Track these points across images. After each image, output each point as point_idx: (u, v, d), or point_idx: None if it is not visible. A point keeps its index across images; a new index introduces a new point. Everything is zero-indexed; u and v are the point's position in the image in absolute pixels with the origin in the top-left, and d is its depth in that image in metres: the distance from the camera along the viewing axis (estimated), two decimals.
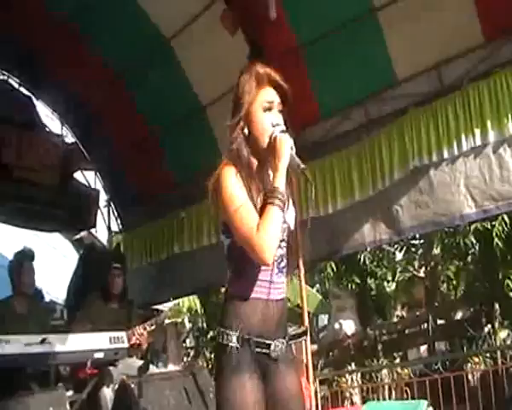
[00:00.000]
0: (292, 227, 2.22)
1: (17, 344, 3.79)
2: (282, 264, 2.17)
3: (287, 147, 2.09)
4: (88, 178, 7.98)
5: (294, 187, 2.29)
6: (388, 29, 5.17)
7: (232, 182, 2.04)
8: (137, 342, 4.94)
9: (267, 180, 2.16)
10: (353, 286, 11.62)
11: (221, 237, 2.17)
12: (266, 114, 2.15)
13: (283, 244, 2.16)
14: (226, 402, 2.04)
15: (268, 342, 2.10)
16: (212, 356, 11.74)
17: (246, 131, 2.15)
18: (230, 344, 2.06)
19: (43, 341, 3.90)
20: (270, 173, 2.19)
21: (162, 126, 6.96)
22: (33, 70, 7.02)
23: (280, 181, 2.06)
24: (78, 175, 7.80)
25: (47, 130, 7.49)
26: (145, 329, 4.98)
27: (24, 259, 5.12)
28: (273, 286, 2.13)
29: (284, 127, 2.16)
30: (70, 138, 7.77)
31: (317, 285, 13.14)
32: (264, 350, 2.09)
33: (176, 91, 6.41)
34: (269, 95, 2.17)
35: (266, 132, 2.14)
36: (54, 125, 7.70)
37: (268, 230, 1.99)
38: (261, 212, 2.03)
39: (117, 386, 4.32)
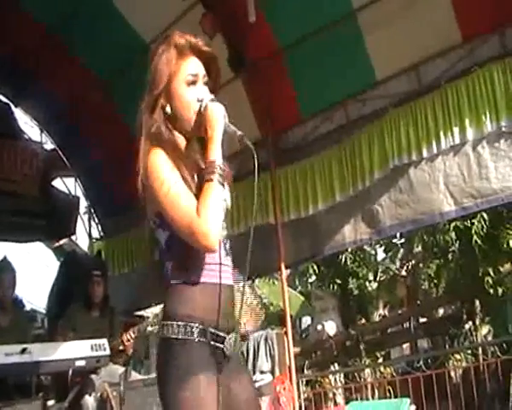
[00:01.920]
0: (229, 206, 1.92)
1: None
2: (228, 245, 1.93)
3: (219, 115, 1.83)
4: (68, 184, 7.92)
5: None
6: (367, 30, 5.21)
7: (161, 165, 1.79)
8: (123, 347, 4.91)
9: (198, 160, 1.91)
10: (335, 287, 11.66)
11: (157, 232, 1.89)
12: (190, 88, 1.89)
13: (225, 225, 1.90)
14: (186, 405, 1.73)
15: (222, 334, 1.84)
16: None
17: (168, 109, 1.89)
18: (186, 337, 1.77)
19: (23, 350, 3.83)
20: (199, 152, 1.94)
21: None
22: (12, 78, 6.92)
23: (216, 153, 1.81)
24: (57, 182, 7.72)
25: (26, 138, 7.40)
26: (132, 335, 4.95)
27: (3, 271, 5.04)
28: (223, 269, 1.86)
29: (213, 96, 1.89)
30: (49, 145, 7.69)
31: (300, 287, 13.17)
32: (218, 344, 1.82)
33: None
34: (192, 67, 1.90)
35: (192, 109, 1.88)
36: (33, 132, 7.63)
37: (209, 211, 1.73)
38: (199, 191, 1.78)
39: (99, 394, 4.27)
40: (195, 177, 1.86)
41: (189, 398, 1.73)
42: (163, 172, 1.78)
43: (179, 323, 1.78)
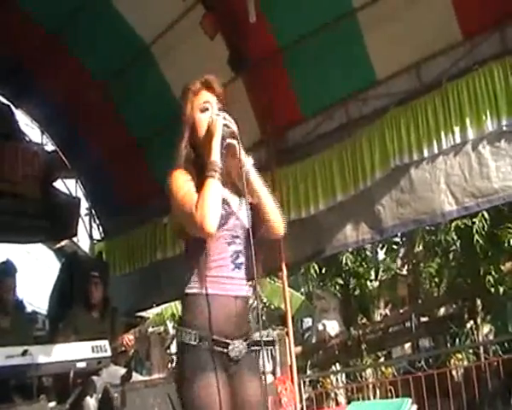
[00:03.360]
0: (247, 225, 2.20)
1: None
2: (239, 260, 2.17)
3: (218, 123, 2.16)
4: (69, 186, 7.91)
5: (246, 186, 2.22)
6: (368, 29, 5.21)
7: (179, 179, 2.14)
8: (124, 348, 4.91)
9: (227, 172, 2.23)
10: (336, 287, 11.63)
11: (182, 243, 2.24)
12: (204, 113, 2.25)
13: (238, 241, 2.18)
14: (192, 404, 2.03)
15: (226, 341, 2.09)
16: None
17: (193, 138, 2.25)
18: (191, 343, 2.07)
19: (24, 352, 3.83)
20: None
21: (144, 132, 6.91)
22: (12, 79, 6.92)
23: (215, 154, 2.12)
24: (59, 183, 7.72)
25: (27, 139, 7.40)
26: (134, 334, 4.96)
27: (5, 274, 5.04)
28: (231, 282, 2.13)
29: (219, 112, 2.22)
30: (50, 147, 7.68)
31: (301, 288, 13.14)
32: (222, 349, 2.09)
33: (157, 97, 6.37)
34: (203, 97, 2.28)
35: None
36: (34, 133, 7.63)
37: (206, 200, 2.03)
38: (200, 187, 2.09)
39: (100, 395, 4.26)
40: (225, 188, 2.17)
41: (199, 392, 2.01)
42: (179, 183, 2.12)
43: (187, 330, 2.09)
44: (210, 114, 2.23)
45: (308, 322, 13.45)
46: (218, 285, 2.11)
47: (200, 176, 2.12)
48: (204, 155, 2.18)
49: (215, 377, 2.03)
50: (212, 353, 2.06)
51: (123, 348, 4.94)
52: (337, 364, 10.73)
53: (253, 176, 2.21)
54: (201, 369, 2.03)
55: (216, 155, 2.12)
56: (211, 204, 2.03)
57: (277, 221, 2.30)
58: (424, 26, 4.91)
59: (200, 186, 2.08)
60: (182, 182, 2.13)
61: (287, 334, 5.83)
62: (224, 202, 2.14)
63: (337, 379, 10.18)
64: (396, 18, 4.99)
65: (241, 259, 2.18)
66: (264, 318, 13.11)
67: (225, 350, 2.08)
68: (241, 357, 2.12)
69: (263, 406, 2.21)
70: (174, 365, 2.13)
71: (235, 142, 2.18)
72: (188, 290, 2.13)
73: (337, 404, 9.59)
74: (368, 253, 11.77)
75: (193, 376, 2.04)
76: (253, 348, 2.18)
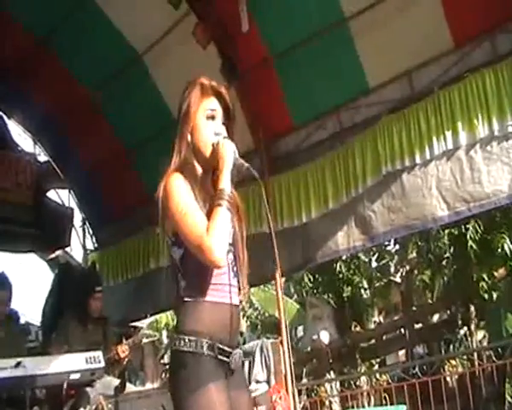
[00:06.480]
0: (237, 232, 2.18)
1: None
2: (236, 268, 2.13)
3: (229, 151, 2.08)
4: (62, 196, 7.89)
5: (237, 198, 2.18)
6: (359, 38, 5.23)
7: (179, 188, 2.01)
8: (118, 359, 4.89)
9: (210, 189, 2.12)
10: (330, 295, 11.63)
11: (172, 249, 2.08)
12: (209, 122, 2.14)
13: (233, 249, 2.13)
14: None
15: (229, 350, 2.02)
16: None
17: (189, 139, 2.13)
18: (192, 350, 1.96)
19: (17, 364, 3.79)
20: (211, 182, 2.16)
21: (136, 142, 6.90)
22: (4, 89, 6.90)
23: (226, 183, 2.04)
24: (51, 194, 7.70)
25: (19, 149, 7.39)
26: (127, 346, 4.94)
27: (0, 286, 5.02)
28: (232, 290, 2.07)
29: (226, 135, 2.15)
30: (43, 157, 7.68)
31: (295, 296, 13.16)
32: (225, 358, 2.01)
33: (149, 107, 6.38)
34: (212, 104, 2.16)
35: (209, 141, 2.12)
36: (26, 143, 7.63)
37: (217, 231, 1.94)
38: (209, 215, 1.99)
39: (94, 407, 4.23)
40: (206, 203, 2.05)
41: (200, 405, 1.91)
42: (180, 195, 2.00)
43: (190, 337, 1.97)
44: (215, 127, 2.14)
45: (302, 330, 13.44)
46: (223, 293, 2.05)
47: (194, 183, 2.06)
48: (201, 164, 2.14)
49: (220, 386, 1.95)
50: (216, 362, 1.98)
51: (116, 359, 4.91)
52: (331, 372, 10.71)
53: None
54: (208, 381, 1.93)
55: (226, 183, 2.03)
56: (221, 236, 1.95)
57: None
58: (416, 34, 4.94)
59: (194, 194, 2.02)
60: (183, 192, 2.00)
61: (281, 343, 5.81)
62: None
63: (331, 387, 10.17)
64: (387, 26, 5.02)
65: (236, 267, 2.14)
66: (259, 326, 13.12)
67: (227, 359, 2.01)
68: (237, 367, 2.07)
69: None
70: (169, 374, 2.07)
71: (246, 165, 2.12)
72: (188, 298, 2.02)
73: None
74: (361, 260, 11.78)
75: (198, 387, 1.92)
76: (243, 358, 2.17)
